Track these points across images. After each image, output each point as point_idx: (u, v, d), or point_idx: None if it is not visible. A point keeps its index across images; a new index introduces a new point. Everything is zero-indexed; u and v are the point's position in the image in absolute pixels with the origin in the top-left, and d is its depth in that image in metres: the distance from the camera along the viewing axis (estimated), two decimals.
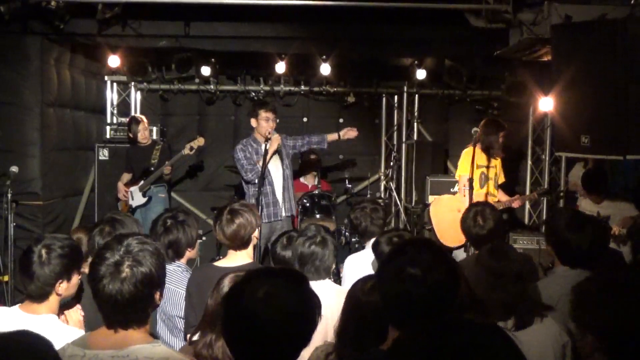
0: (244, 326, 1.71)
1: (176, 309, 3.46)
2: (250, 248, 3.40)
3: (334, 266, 3.44)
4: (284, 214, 5.99)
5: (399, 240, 3.27)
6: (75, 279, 2.72)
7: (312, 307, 1.78)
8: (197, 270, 3.41)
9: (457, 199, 5.90)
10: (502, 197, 6.12)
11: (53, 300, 2.64)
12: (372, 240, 4.01)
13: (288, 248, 3.70)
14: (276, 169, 5.97)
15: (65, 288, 2.64)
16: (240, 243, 3.36)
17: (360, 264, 3.73)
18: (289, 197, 6.07)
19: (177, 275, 3.52)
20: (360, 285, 2.51)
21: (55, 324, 2.60)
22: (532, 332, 2.68)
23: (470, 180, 5.57)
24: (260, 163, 5.72)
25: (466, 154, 5.96)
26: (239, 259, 3.37)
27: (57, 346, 2.07)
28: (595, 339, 1.95)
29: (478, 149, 5.85)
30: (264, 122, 5.85)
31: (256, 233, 3.40)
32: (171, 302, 3.46)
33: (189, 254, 3.70)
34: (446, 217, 5.83)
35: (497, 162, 6.04)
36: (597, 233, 3.36)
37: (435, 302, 1.88)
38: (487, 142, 5.91)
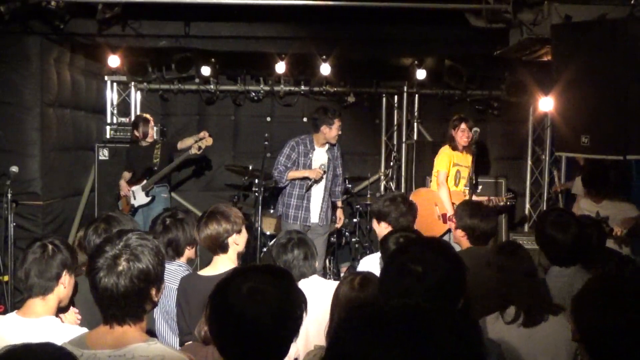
0: (230, 323, 1.72)
1: None
2: (232, 253, 3.38)
3: (318, 263, 3.51)
4: (316, 221, 6.03)
5: (404, 241, 3.28)
6: (74, 278, 2.75)
7: (297, 303, 1.78)
8: (183, 280, 3.39)
9: (434, 193, 6.04)
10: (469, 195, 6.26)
11: (55, 297, 2.65)
12: None
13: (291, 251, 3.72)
14: (320, 180, 6.02)
15: (69, 282, 2.68)
16: (214, 247, 3.34)
17: (376, 266, 3.71)
18: (327, 207, 6.14)
19: (179, 274, 3.54)
20: (349, 282, 2.54)
21: (57, 325, 2.61)
22: (545, 329, 2.69)
23: (472, 179, 5.61)
24: (293, 174, 5.87)
25: (442, 150, 6.14)
26: (222, 265, 3.35)
27: None
28: (578, 332, 1.96)
29: (450, 147, 6.11)
30: (336, 132, 5.97)
31: (235, 238, 3.36)
32: (174, 301, 3.46)
33: (189, 252, 3.71)
34: (425, 210, 5.87)
35: (469, 163, 6.12)
36: (582, 231, 3.39)
37: (438, 299, 1.89)
38: (448, 137, 6.17)
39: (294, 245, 3.45)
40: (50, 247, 2.65)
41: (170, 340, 3.51)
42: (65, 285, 2.67)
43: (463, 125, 6.09)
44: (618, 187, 6.65)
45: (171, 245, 3.61)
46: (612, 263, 3.67)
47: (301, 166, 5.94)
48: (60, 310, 2.80)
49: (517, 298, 2.78)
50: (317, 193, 6.05)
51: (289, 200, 5.99)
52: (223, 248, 3.34)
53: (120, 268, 1.98)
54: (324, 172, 5.96)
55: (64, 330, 2.58)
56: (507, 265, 2.86)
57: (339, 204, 6.45)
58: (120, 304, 1.99)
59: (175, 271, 3.56)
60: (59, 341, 2.35)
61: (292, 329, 1.77)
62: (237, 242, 3.39)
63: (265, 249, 6.28)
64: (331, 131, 5.96)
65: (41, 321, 2.58)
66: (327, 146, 6.06)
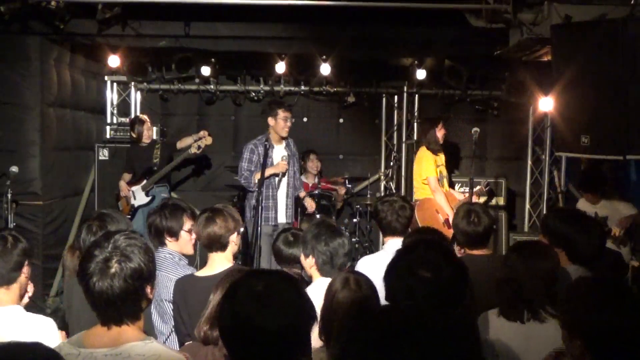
0: (243, 328, 1.70)
1: (167, 293, 3.46)
2: (229, 252, 3.38)
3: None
4: (284, 220, 6.02)
5: (409, 242, 3.26)
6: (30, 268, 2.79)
7: (309, 309, 1.77)
8: (181, 282, 3.38)
9: (432, 201, 5.98)
10: (457, 194, 6.31)
11: (18, 286, 2.69)
12: (391, 239, 4.00)
13: (293, 246, 3.70)
14: (283, 177, 6.00)
15: (27, 271, 2.72)
16: (215, 245, 3.33)
17: (375, 266, 3.70)
18: (292, 205, 6.13)
19: (167, 262, 3.57)
20: (342, 282, 2.56)
21: (23, 314, 2.65)
22: (545, 330, 2.69)
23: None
24: (260, 175, 5.78)
25: (424, 154, 6.09)
26: (218, 265, 3.34)
27: (27, 336, 2.09)
28: (582, 342, 1.94)
29: (428, 150, 6.04)
30: (283, 122, 5.94)
31: (234, 237, 3.37)
32: (162, 286, 3.47)
33: (174, 245, 3.68)
34: (430, 219, 5.90)
35: (444, 160, 6.20)
36: (600, 230, 3.46)
37: (442, 301, 1.90)
38: (428, 139, 6.16)
39: (336, 234, 3.33)
40: (10, 238, 2.68)
41: (161, 327, 3.51)
42: (26, 274, 2.71)
43: (441, 124, 6.14)
44: (617, 187, 6.66)
45: (150, 230, 3.66)
46: (608, 263, 3.72)
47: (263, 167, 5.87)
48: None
49: (520, 295, 2.78)
50: (281, 191, 6.03)
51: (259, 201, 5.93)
52: (223, 247, 3.35)
53: (113, 270, 1.98)
54: (288, 162, 5.94)
55: (29, 319, 2.63)
56: (518, 262, 2.85)
57: (302, 194, 6.49)
58: (116, 306, 1.99)
59: (164, 259, 3.57)
60: (28, 330, 2.36)
61: (304, 335, 1.76)
62: (236, 241, 3.40)
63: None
64: (277, 123, 5.94)
65: (6, 310, 2.62)
66: (284, 143, 6.06)
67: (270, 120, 5.97)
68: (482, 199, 6.42)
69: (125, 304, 2.00)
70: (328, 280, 3.18)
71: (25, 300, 2.86)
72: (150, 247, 2.13)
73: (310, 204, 6.46)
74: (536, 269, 2.80)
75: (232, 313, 1.72)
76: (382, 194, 8.09)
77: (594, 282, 2.11)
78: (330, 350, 2.42)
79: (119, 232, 2.11)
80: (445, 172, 6.19)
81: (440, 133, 6.11)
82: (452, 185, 6.77)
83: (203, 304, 2.72)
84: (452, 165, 7.79)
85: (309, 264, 3.33)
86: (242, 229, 3.47)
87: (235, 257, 3.50)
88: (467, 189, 6.56)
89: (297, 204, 6.47)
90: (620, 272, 3.70)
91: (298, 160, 6.33)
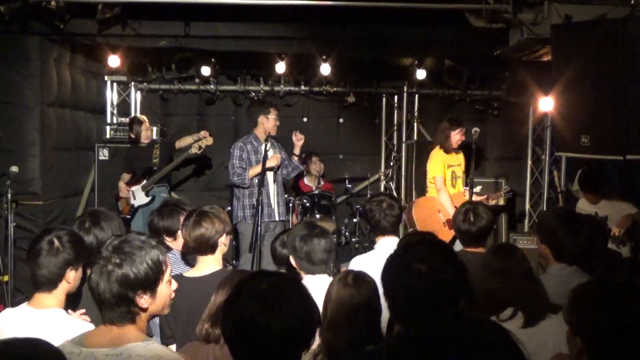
0: (246, 328, 1.70)
1: None
2: (219, 254, 3.32)
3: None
4: (277, 217, 6.04)
5: (407, 241, 3.25)
6: (81, 271, 2.77)
7: (312, 310, 1.77)
8: None
9: (436, 200, 5.97)
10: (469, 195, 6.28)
11: (61, 291, 2.69)
12: (382, 238, 3.99)
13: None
14: (271, 174, 6.01)
15: (74, 277, 2.71)
16: (205, 247, 3.26)
17: (368, 265, 3.69)
18: (283, 202, 6.15)
19: (170, 260, 3.54)
20: (341, 280, 2.56)
21: (64, 317, 2.65)
22: (546, 328, 2.69)
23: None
24: (253, 170, 5.80)
25: (434, 153, 6.07)
26: (208, 267, 3.28)
27: (66, 338, 2.11)
28: (582, 341, 1.95)
29: (441, 149, 6.03)
30: (273, 122, 6.00)
31: (224, 239, 3.31)
32: None
33: (173, 244, 3.70)
34: (429, 219, 5.87)
35: (462, 160, 6.15)
36: (592, 231, 3.45)
37: (441, 299, 1.91)
38: (439, 139, 6.13)
39: (313, 231, 3.33)
40: (56, 244, 2.67)
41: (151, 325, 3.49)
42: (69, 281, 2.70)
43: (461, 128, 6.09)
44: (625, 186, 6.65)
45: (150, 230, 3.75)
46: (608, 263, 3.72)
47: (254, 164, 5.89)
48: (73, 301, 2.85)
49: (519, 300, 2.77)
50: (272, 188, 6.05)
51: (250, 200, 5.90)
52: (212, 248, 3.27)
53: (106, 271, 2.02)
54: (279, 156, 5.96)
55: (71, 323, 2.63)
56: (505, 267, 2.85)
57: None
58: (108, 307, 2.03)
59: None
60: (67, 334, 2.38)
61: (307, 336, 1.76)
62: (226, 242, 3.35)
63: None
64: (269, 121, 5.98)
65: (49, 313, 2.63)
66: (269, 142, 5.99)
67: (262, 119, 5.99)
68: (501, 202, 6.39)
69: (113, 308, 2.02)
70: (314, 278, 3.22)
71: None
72: (159, 258, 2.10)
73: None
74: (510, 271, 2.82)
75: (236, 313, 1.72)
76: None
77: (597, 283, 2.12)
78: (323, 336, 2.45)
79: (135, 234, 2.13)
80: (459, 173, 6.13)
81: (455, 136, 6.05)
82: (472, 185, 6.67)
83: (191, 306, 2.69)
84: None
85: (293, 263, 3.35)
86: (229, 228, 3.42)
87: (226, 261, 3.47)
88: (479, 190, 6.52)
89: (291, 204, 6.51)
90: (620, 272, 3.69)
91: (287, 157, 6.26)
